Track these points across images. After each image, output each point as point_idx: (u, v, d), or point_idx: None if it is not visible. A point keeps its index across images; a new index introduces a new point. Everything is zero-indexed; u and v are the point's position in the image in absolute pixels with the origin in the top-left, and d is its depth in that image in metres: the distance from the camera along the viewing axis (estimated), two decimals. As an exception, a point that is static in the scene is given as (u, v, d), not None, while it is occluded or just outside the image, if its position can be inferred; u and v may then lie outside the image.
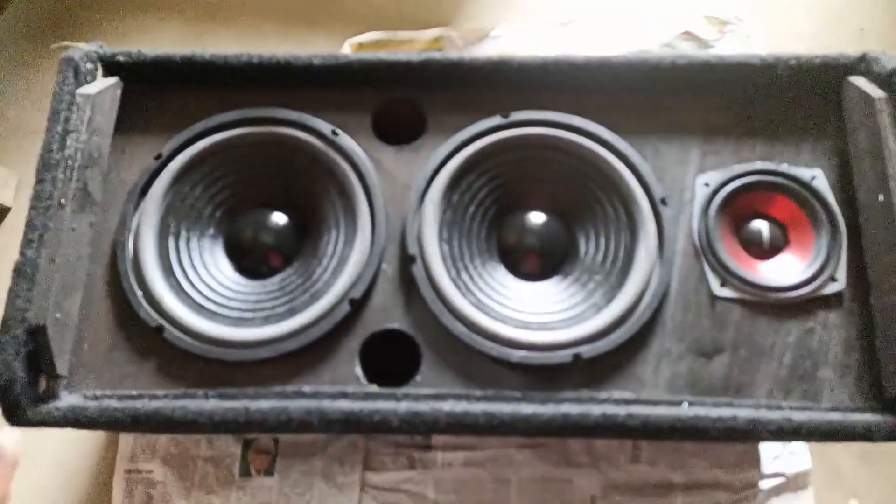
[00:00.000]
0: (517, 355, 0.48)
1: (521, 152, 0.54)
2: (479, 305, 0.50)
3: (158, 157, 0.53)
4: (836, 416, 0.46)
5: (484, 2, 0.90)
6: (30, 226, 0.46)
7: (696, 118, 0.55)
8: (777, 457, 0.73)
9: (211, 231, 0.54)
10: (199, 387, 0.48)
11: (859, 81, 0.52)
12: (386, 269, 0.52)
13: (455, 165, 0.53)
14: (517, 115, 0.54)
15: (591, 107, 0.54)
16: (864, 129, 0.50)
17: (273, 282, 0.53)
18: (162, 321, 0.49)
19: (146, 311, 0.49)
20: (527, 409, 0.46)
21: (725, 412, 0.46)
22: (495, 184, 0.54)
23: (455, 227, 0.53)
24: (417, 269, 0.50)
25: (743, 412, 0.46)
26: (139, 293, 0.50)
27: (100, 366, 0.49)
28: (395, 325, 0.50)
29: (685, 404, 0.47)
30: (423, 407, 0.46)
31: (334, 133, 0.54)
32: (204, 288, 0.52)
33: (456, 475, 0.71)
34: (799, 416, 0.46)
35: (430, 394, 0.48)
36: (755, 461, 0.72)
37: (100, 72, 0.54)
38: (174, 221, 0.53)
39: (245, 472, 0.68)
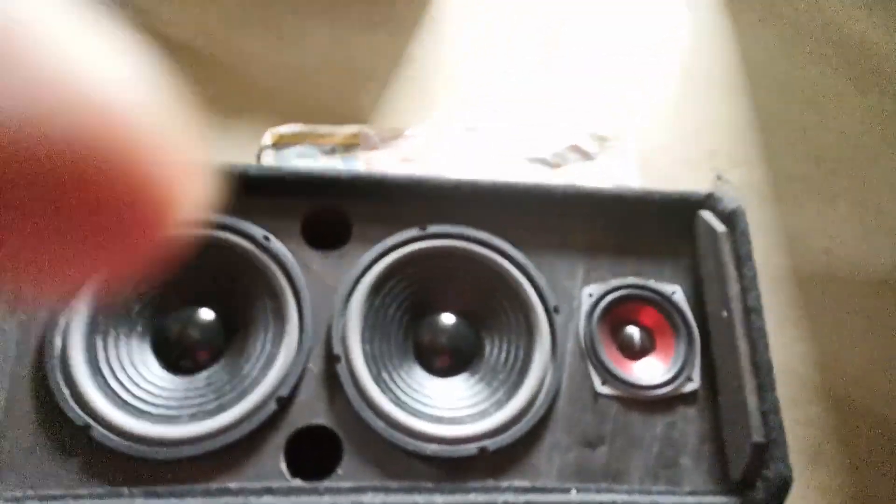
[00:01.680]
0: (430, 449, 0.54)
1: (436, 261, 0.61)
2: (398, 402, 0.56)
3: (91, 255, 0.55)
4: (693, 500, 0.55)
5: (401, 103, 0.99)
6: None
7: (582, 238, 0.64)
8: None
9: (139, 328, 0.56)
10: (124, 485, 0.49)
11: (707, 216, 0.64)
12: (311, 367, 0.56)
13: (377, 272, 0.59)
14: (433, 228, 0.61)
15: (497, 223, 0.63)
16: (711, 256, 0.62)
17: (200, 378, 0.56)
18: (88, 419, 0.50)
19: (72, 408, 0.50)
20: (438, 500, 0.51)
21: (605, 497, 0.54)
22: (413, 289, 0.61)
23: (376, 329, 0.58)
24: (342, 369, 0.55)
25: (620, 497, 0.54)
26: (66, 391, 0.51)
27: (22, 465, 0.49)
28: (319, 421, 0.54)
29: (573, 491, 0.55)
30: (344, 501, 0.50)
31: (266, 238, 0.58)
32: (131, 385, 0.53)
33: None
34: (664, 500, 0.54)
35: (351, 487, 0.52)
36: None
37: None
38: (103, 319, 0.54)
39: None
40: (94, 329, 0.54)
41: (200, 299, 0.58)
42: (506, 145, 0.99)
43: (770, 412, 0.54)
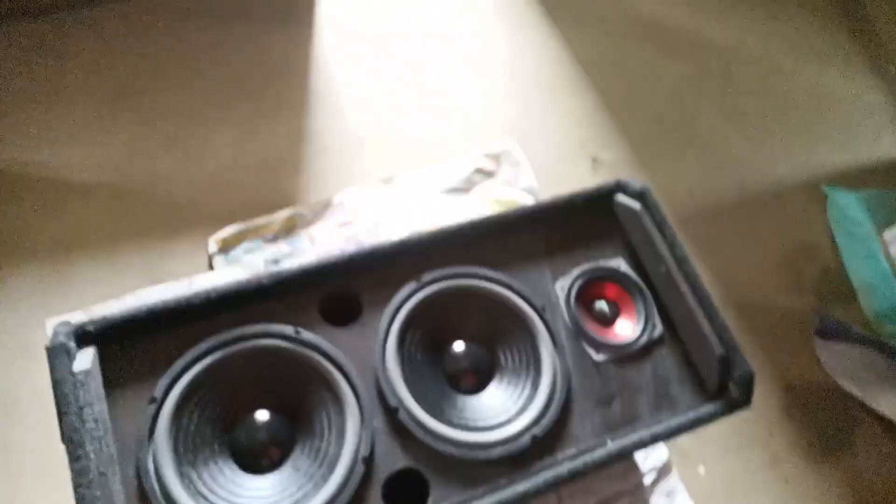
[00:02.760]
0: (495, 453, 0.65)
1: (438, 303, 0.72)
2: (455, 425, 0.66)
3: (152, 401, 0.60)
4: (691, 414, 0.71)
5: (320, 177, 1.08)
6: (82, 501, 0.51)
7: (540, 246, 0.78)
8: (646, 458, 0.99)
9: (216, 447, 0.62)
10: (270, 580, 0.56)
11: (623, 198, 0.81)
12: (376, 424, 0.65)
13: (396, 329, 0.69)
14: (426, 276, 0.72)
15: (474, 255, 0.75)
16: (636, 228, 0.79)
17: (287, 469, 0.62)
18: (213, 540, 0.56)
19: (196, 537, 0.55)
20: (519, 487, 0.63)
21: (634, 437, 0.68)
22: (429, 332, 0.71)
23: (414, 374, 0.68)
24: (403, 415, 0.64)
25: (644, 433, 0.68)
26: (183, 525, 0.56)
27: None
28: (402, 465, 0.63)
29: (609, 442, 0.69)
30: (449, 517, 0.60)
31: (297, 332, 0.66)
32: (235, 498, 0.59)
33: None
34: (672, 422, 0.70)
35: (447, 506, 0.62)
36: (635, 467, 0.97)
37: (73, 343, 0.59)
38: (185, 451, 0.59)
39: None
40: (181, 463, 0.59)
41: (260, 404, 0.64)
42: (421, 185, 1.11)
43: (722, 330, 0.71)
